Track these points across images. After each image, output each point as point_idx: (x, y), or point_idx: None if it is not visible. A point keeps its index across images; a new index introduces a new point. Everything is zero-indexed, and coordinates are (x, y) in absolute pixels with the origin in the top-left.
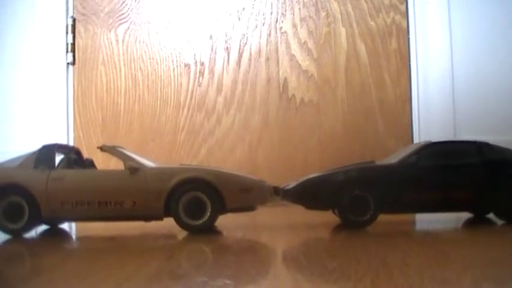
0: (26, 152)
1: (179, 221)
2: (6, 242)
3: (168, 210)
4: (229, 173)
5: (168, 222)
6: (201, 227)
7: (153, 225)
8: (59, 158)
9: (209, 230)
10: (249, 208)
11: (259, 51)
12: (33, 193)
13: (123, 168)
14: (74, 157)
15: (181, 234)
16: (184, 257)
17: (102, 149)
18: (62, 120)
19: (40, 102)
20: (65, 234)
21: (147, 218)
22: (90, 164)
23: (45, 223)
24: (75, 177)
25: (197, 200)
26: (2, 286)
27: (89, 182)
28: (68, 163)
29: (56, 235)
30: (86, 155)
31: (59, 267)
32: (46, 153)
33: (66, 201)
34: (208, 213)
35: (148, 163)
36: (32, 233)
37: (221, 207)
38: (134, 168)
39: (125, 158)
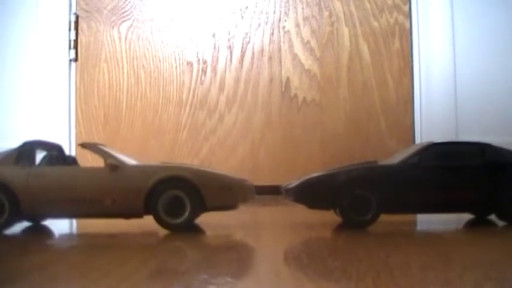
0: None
1: (158, 219)
2: None
3: (148, 208)
4: (209, 171)
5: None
6: (181, 225)
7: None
8: (41, 155)
9: (188, 228)
10: (229, 207)
11: (262, 50)
12: (13, 190)
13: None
14: (56, 154)
15: (182, 233)
16: (184, 255)
17: (82, 146)
18: (64, 116)
19: (42, 98)
20: (48, 231)
21: (127, 216)
22: (72, 161)
23: (26, 220)
24: (56, 174)
25: (176, 198)
26: (2, 281)
27: (69, 179)
28: (49, 160)
29: (39, 231)
30: (87, 151)
31: (59, 262)
32: (27, 150)
33: (47, 198)
34: (188, 212)
35: (129, 161)
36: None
37: (201, 206)
38: (114, 166)
39: (105, 155)
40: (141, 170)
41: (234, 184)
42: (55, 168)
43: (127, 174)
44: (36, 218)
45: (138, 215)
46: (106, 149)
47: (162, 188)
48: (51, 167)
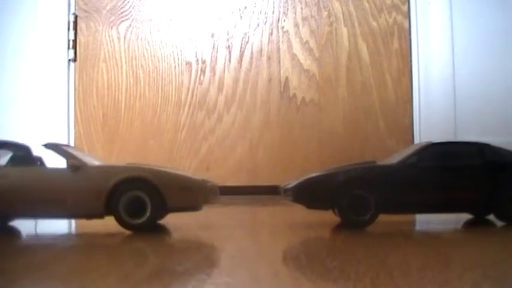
0: None
1: (120, 220)
2: None
3: (109, 209)
4: (170, 172)
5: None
6: (142, 226)
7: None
8: (7, 156)
9: (150, 229)
10: (191, 208)
11: (261, 50)
12: None
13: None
14: (22, 155)
15: (182, 232)
16: (184, 254)
17: (46, 146)
18: (63, 116)
19: (41, 98)
20: (15, 232)
21: (88, 217)
22: (38, 162)
23: None
24: (19, 175)
25: (137, 199)
26: (1, 281)
27: (32, 180)
28: (14, 161)
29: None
30: (86, 151)
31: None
32: None
33: (10, 198)
34: (149, 212)
35: (91, 161)
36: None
37: (161, 206)
38: (75, 167)
39: (66, 156)
40: (103, 171)
41: (194, 185)
42: (18, 169)
43: (88, 175)
44: (1, 219)
45: (99, 215)
46: (69, 149)
47: (123, 189)
48: (14, 168)
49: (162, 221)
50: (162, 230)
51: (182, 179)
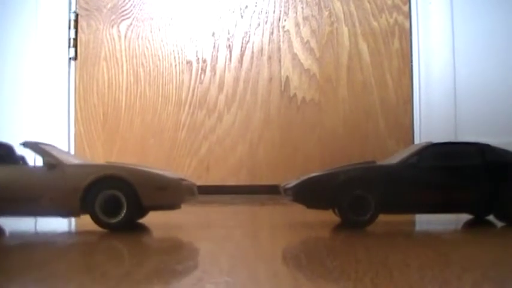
0: None
1: (95, 219)
2: None
3: (85, 207)
4: (145, 170)
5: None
6: (117, 225)
7: (151, 222)
8: None
9: (125, 228)
10: (167, 206)
11: (262, 49)
12: None
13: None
14: (2, 153)
15: (182, 231)
16: (184, 253)
17: (24, 145)
18: (63, 115)
19: (42, 97)
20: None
21: (64, 215)
22: (21, 160)
23: None
24: None
25: (113, 197)
26: (1, 279)
27: (9, 178)
28: None
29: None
30: (86, 149)
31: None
32: None
33: None
34: (124, 211)
35: (68, 160)
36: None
37: (137, 205)
38: (51, 165)
39: (43, 154)
40: (79, 169)
41: (170, 184)
42: None
43: (64, 173)
44: None
45: (76, 214)
46: (46, 147)
47: (99, 187)
48: None
49: (161, 221)
50: (162, 230)
51: (158, 178)
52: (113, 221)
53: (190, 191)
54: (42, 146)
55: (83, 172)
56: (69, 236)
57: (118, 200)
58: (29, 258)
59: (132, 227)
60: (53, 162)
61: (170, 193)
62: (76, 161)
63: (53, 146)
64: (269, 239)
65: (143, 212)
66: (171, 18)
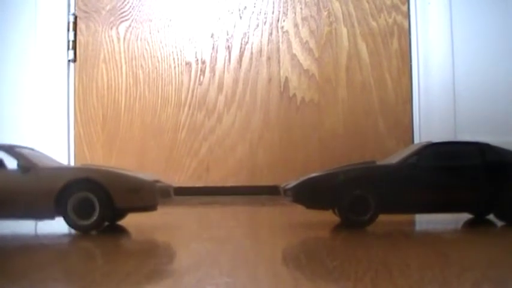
0: None
1: (69, 221)
2: None
3: (59, 210)
4: (118, 172)
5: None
6: (90, 227)
7: (152, 223)
8: None
9: (97, 230)
10: (140, 208)
11: (261, 50)
12: None
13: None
14: None
15: (182, 231)
16: (184, 254)
17: None
18: (63, 117)
19: (41, 99)
20: None
21: (39, 218)
22: None
23: None
24: None
25: (86, 200)
26: (1, 282)
27: None
28: None
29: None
30: (86, 151)
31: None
32: None
33: None
34: (97, 213)
35: (42, 162)
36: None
37: (110, 207)
38: (26, 168)
39: (17, 157)
40: (52, 172)
41: (143, 186)
42: None
43: (38, 176)
44: None
45: (50, 216)
46: (23, 151)
47: (72, 190)
48: None
49: (161, 221)
50: (162, 230)
51: (130, 180)
52: (86, 223)
53: (166, 193)
54: (17, 149)
55: (57, 175)
56: (69, 238)
57: (91, 202)
58: (29, 260)
59: (111, 229)
60: (27, 166)
61: (143, 195)
62: (51, 164)
63: (31, 149)
64: (269, 239)
65: (117, 214)
66: (170, 20)
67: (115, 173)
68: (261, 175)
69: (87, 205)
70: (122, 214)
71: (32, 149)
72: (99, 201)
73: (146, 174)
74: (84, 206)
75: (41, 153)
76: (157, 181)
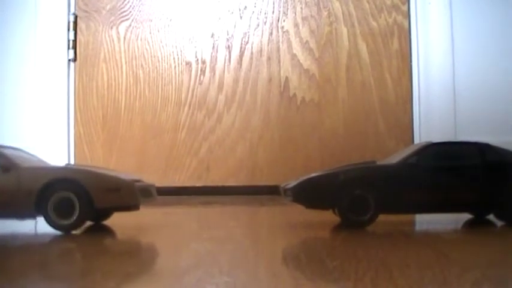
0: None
1: (49, 221)
2: None
3: (39, 210)
4: (99, 172)
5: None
6: (70, 226)
7: (152, 223)
8: None
9: (77, 230)
10: (120, 208)
11: (261, 50)
12: None
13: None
14: None
15: (182, 231)
16: (184, 254)
17: None
18: (63, 116)
19: (41, 98)
20: None
21: (20, 217)
22: None
23: None
24: None
25: (66, 199)
26: (2, 282)
27: None
28: None
29: None
30: (86, 151)
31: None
32: None
33: None
34: (77, 213)
35: (24, 162)
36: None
37: (90, 207)
38: (6, 168)
39: None
40: (33, 172)
41: (123, 185)
42: None
43: (19, 176)
44: None
45: (31, 216)
46: (5, 150)
47: (52, 189)
48: None
49: (161, 222)
50: (161, 230)
51: (110, 180)
52: (66, 222)
53: (147, 193)
54: (1, 149)
55: (37, 175)
56: (69, 238)
57: (71, 202)
58: (29, 259)
59: (111, 229)
60: (7, 165)
61: (123, 194)
62: (33, 164)
63: (15, 149)
64: (269, 239)
65: (101, 214)
66: (170, 20)
67: (95, 172)
68: (261, 175)
69: (68, 205)
70: (106, 214)
71: (16, 149)
72: (79, 201)
73: (127, 174)
74: (64, 206)
75: (25, 152)
76: (137, 181)
